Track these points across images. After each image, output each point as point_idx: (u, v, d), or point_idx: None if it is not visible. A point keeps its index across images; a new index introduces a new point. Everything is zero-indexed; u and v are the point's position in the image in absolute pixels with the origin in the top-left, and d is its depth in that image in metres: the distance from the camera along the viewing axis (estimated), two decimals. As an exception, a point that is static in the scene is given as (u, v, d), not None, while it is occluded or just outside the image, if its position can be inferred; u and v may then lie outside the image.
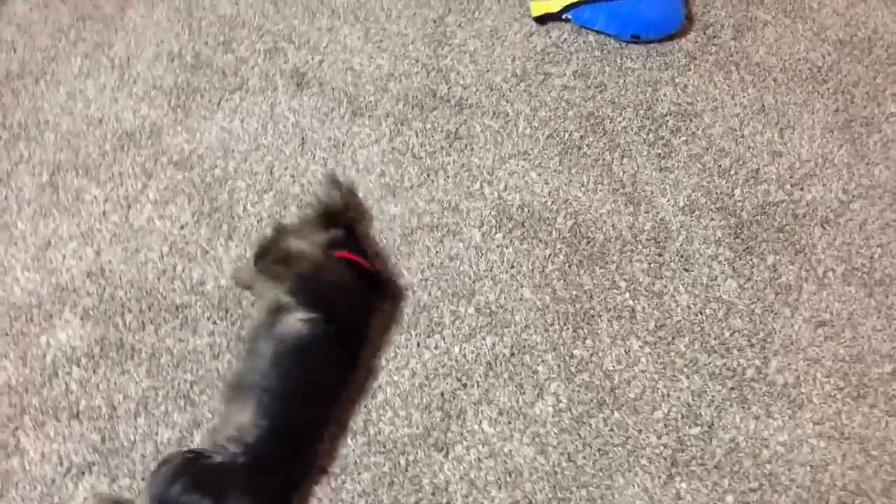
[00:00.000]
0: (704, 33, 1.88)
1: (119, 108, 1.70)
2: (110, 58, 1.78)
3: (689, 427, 1.38)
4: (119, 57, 1.78)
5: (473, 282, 1.52)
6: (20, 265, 1.50)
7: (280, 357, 1.24)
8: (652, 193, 1.64)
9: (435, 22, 1.87)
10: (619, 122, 1.73)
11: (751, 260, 1.56)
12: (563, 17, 1.86)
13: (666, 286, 1.53)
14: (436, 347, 1.44)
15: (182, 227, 1.56)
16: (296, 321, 1.26)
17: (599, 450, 1.36)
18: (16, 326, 1.43)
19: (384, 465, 1.34)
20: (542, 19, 1.87)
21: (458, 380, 1.41)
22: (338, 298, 1.32)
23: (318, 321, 1.26)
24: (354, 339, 1.35)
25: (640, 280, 1.53)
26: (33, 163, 1.62)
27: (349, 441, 1.36)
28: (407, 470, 1.33)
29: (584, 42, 1.86)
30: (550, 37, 1.86)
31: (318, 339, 1.26)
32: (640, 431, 1.38)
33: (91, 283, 1.49)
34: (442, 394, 1.40)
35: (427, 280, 1.51)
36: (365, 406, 1.39)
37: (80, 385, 1.38)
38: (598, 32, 1.86)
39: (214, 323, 1.45)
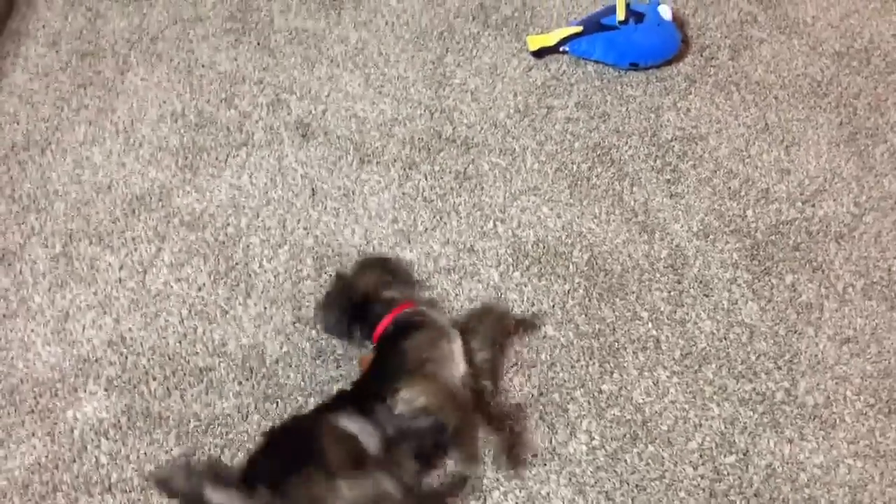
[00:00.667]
0: (702, 55, 1.90)
1: (127, 172, 1.71)
2: (114, 122, 1.78)
3: (725, 456, 1.38)
4: (123, 121, 1.78)
5: (495, 323, 1.51)
6: (40, 340, 1.49)
7: None
8: (665, 220, 1.64)
9: (434, 63, 1.88)
10: (626, 151, 1.74)
11: (770, 281, 1.56)
12: (561, 49, 1.87)
13: (688, 313, 1.52)
14: (464, 393, 1.43)
15: (200, 289, 1.55)
16: None
17: (637, 486, 1.35)
18: (41, 402, 1.42)
19: (422, 517, 1.32)
20: (540, 53, 1.89)
21: (488, 424, 1.40)
22: None
23: None
24: None
25: (662, 309, 1.53)
26: (45, 234, 1.61)
27: None
28: (446, 521, 1.32)
29: (583, 73, 1.87)
30: (549, 70, 1.88)
31: None
32: (675, 464, 1.37)
33: (112, 352, 1.48)
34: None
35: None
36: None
37: (111, 457, 1.37)
38: (597, 62, 1.87)
39: (240, 384, 1.45)
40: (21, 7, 1.98)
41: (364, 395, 1.28)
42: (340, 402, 1.29)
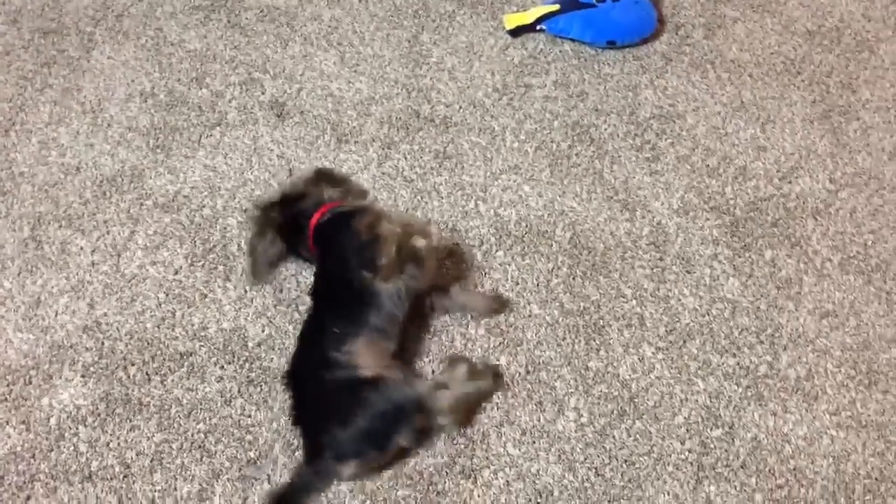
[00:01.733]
0: (677, 34, 1.90)
1: (96, 153, 1.65)
2: (80, 102, 1.73)
3: (711, 429, 1.39)
4: (90, 101, 1.73)
5: (480, 302, 1.50)
6: (11, 326, 1.44)
7: None
8: (645, 198, 1.64)
9: (409, 42, 1.86)
10: (605, 129, 1.74)
11: (750, 257, 1.57)
12: (538, 28, 1.86)
13: (671, 290, 1.53)
14: (451, 372, 1.42)
15: (176, 272, 1.51)
16: None
17: (626, 461, 1.35)
18: (14, 390, 1.38)
19: (413, 497, 1.31)
20: (516, 32, 1.87)
21: (477, 403, 1.40)
22: None
23: None
24: None
25: (645, 286, 1.53)
26: (12, 217, 1.56)
27: (375, 476, 1.33)
28: (437, 501, 1.31)
29: (560, 51, 1.86)
30: (527, 48, 1.86)
31: None
32: (663, 438, 1.38)
33: (88, 337, 1.44)
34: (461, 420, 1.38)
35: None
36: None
37: (90, 445, 1.33)
38: (574, 40, 1.86)
39: (222, 368, 1.42)
40: (-23, -17, 1.90)
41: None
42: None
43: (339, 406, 1.26)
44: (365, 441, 1.25)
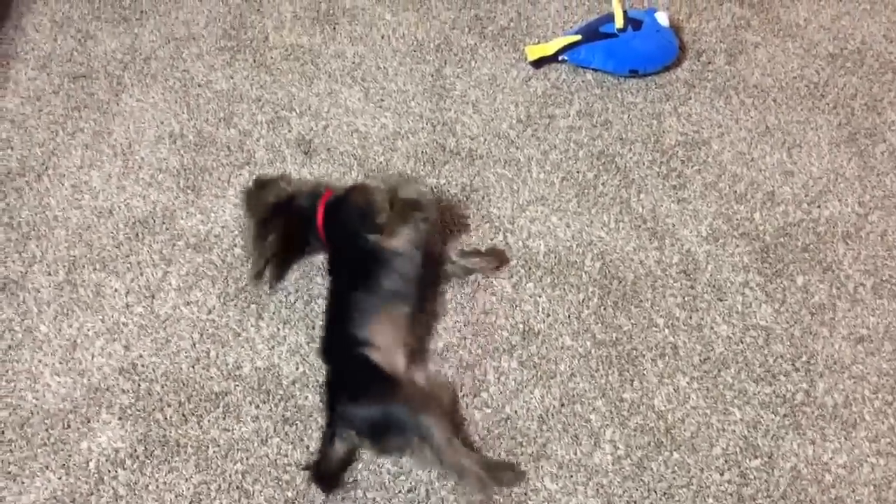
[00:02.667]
0: (699, 61, 1.91)
1: (127, 195, 1.68)
2: (111, 145, 1.75)
3: (750, 460, 1.38)
4: (120, 143, 1.75)
5: (511, 335, 1.50)
6: (49, 370, 1.46)
7: None
8: (674, 226, 1.64)
9: (433, 76, 1.88)
10: (630, 158, 1.74)
11: (781, 283, 1.57)
12: (560, 58, 1.87)
13: (703, 318, 1.53)
14: (485, 406, 1.43)
15: (210, 312, 1.53)
16: None
17: (665, 494, 1.35)
18: (53, 435, 1.39)
19: (452, 535, 1.31)
20: (539, 63, 1.89)
21: (513, 438, 1.39)
22: None
23: None
24: None
25: (677, 315, 1.53)
26: (47, 261, 1.58)
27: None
28: (476, 538, 1.30)
29: (582, 81, 1.87)
30: (549, 79, 1.88)
31: None
32: (701, 470, 1.37)
33: (125, 379, 1.45)
34: (499, 454, 1.38)
35: (465, 338, 1.50)
36: (427, 476, 1.36)
37: (129, 488, 1.34)
38: (596, 70, 1.87)
39: (257, 407, 1.42)
40: (8, 30, 1.94)
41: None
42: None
43: (355, 383, 1.33)
44: (367, 425, 1.31)
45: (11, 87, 1.83)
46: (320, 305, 1.54)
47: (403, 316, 1.41)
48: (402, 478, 1.36)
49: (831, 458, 1.38)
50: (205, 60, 1.89)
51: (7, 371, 1.45)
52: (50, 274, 1.56)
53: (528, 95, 1.85)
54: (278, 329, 1.51)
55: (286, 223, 1.50)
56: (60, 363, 1.46)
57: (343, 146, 1.75)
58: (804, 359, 1.48)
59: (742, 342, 1.50)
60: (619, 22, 1.80)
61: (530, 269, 1.58)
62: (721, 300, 1.55)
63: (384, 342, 1.36)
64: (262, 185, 1.54)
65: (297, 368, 1.46)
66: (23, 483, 1.34)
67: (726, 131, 1.79)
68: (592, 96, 1.85)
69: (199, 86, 1.85)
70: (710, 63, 1.91)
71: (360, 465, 1.37)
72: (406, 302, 1.41)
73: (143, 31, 1.94)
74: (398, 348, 1.37)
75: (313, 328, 1.51)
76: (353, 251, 1.44)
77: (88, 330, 1.50)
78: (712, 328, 1.52)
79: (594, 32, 1.83)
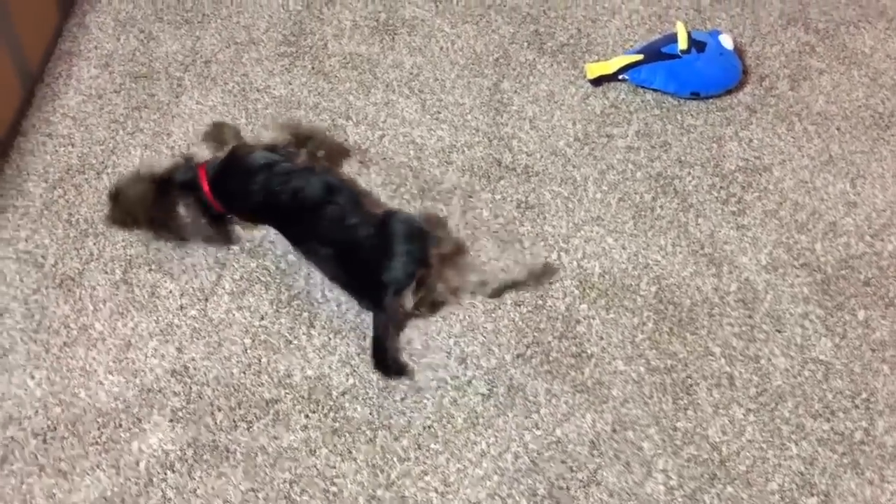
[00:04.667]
0: (761, 85, 1.88)
1: (184, 197, 1.68)
2: (170, 146, 1.76)
3: (806, 498, 1.35)
4: (178, 145, 1.77)
5: (563, 356, 1.49)
6: (102, 368, 1.46)
7: None
8: (732, 253, 1.62)
9: (490, 90, 1.87)
10: (689, 182, 1.72)
11: (842, 317, 1.53)
12: (620, 77, 1.85)
13: (761, 349, 1.50)
14: (536, 428, 1.41)
15: (262, 318, 1.53)
16: None
17: (718, 528, 1.32)
18: (105, 433, 1.39)
19: (499, 558, 1.29)
20: (598, 81, 1.87)
21: (563, 462, 1.38)
22: None
23: None
24: None
25: (734, 345, 1.50)
26: (104, 259, 1.59)
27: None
28: (524, 562, 1.29)
29: (642, 101, 1.85)
30: (608, 98, 1.86)
31: None
32: (756, 505, 1.34)
33: (176, 382, 1.45)
34: (549, 478, 1.36)
35: (518, 357, 1.48)
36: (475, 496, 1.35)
37: (178, 492, 1.34)
38: (656, 91, 1.85)
39: (307, 416, 1.42)
40: (72, 27, 1.96)
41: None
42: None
43: (377, 248, 1.42)
44: (411, 262, 1.41)
45: (74, 84, 1.85)
46: (370, 316, 1.53)
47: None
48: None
49: (889, 500, 1.35)
50: (264, 65, 1.90)
51: (61, 367, 1.46)
52: (107, 272, 1.57)
53: (587, 113, 1.83)
54: (329, 338, 1.50)
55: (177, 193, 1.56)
56: (114, 362, 1.47)
57: (399, 157, 1.75)
58: (864, 396, 1.45)
59: (800, 376, 1.47)
60: (682, 43, 1.78)
61: (584, 290, 1.57)
62: (779, 331, 1.52)
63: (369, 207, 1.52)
64: (123, 188, 1.56)
65: (348, 380, 1.46)
66: (73, 481, 1.35)
67: (788, 158, 1.76)
68: (652, 117, 1.83)
69: (258, 91, 1.86)
70: (773, 88, 1.88)
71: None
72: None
73: (205, 33, 1.96)
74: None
75: (364, 339, 1.50)
76: (274, 202, 1.51)
77: (142, 330, 1.51)
78: (770, 360, 1.49)
79: (656, 53, 1.81)
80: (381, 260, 1.42)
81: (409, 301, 1.44)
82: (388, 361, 1.45)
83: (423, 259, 1.43)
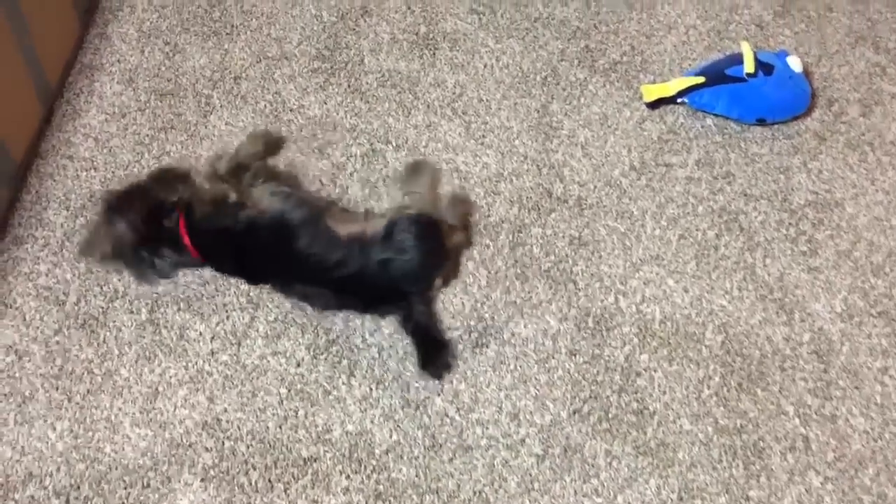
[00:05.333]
0: (830, 110, 1.75)
1: (214, 228, 1.57)
2: (198, 171, 1.65)
3: (892, 579, 1.24)
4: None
5: (624, 413, 1.38)
6: (129, 420, 1.36)
7: None
8: (804, 298, 1.50)
9: (538, 112, 1.75)
10: (755, 217, 1.60)
11: (926, 373, 1.42)
12: (679, 100, 1.73)
13: (837, 408, 1.38)
14: (596, 495, 1.30)
15: (298, 365, 1.42)
16: None
17: None
18: (132, 494, 1.30)
19: None
20: (655, 104, 1.74)
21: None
22: None
23: None
24: None
25: (809, 402, 1.39)
26: (129, 298, 1.49)
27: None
28: None
29: (702, 126, 1.73)
30: (665, 122, 1.73)
31: None
32: (837, 587, 1.23)
33: (208, 436, 1.35)
34: (611, 552, 1.26)
35: (574, 413, 1.37)
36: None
37: (210, 562, 1.24)
38: (717, 115, 1.72)
39: (348, 478, 1.32)
40: (93, 38, 1.85)
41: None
42: None
43: (388, 265, 1.34)
44: (430, 265, 1.38)
45: (96, 101, 1.74)
46: (414, 364, 1.42)
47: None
48: None
49: (984, 583, 1.24)
50: (297, 83, 1.78)
51: (85, 418, 1.36)
52: (132, 312, 1.47)
53: (643, 139, 1.71)
54: (371, 389, 1.40)
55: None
56: (141, 413, 1.37)
57: (442, 186, 1.63)
58: (953, 464, 1.33)
59: (881, 438, 1.36)
60: (748, 66, 1.65)
61: (645, 338, 1.45)
62: (857, 388, 1.41)
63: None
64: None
65: (391, 436, 1.35)
66: (99, 547, 1.25)
67: (861, 192, 1.63)
68: (713, 144, 1.70)
69: (291, 110, 1.74)
70: (842, 113, 1.75)
71: None
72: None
73: (234, 46, 1.84)
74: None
75: (407, 390, 1.40)
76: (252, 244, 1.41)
77: (171, 377, 1.41)
78: (847, 420, 1.38)
79: (720, 75, 1.68)
80: (399, 274, 1.35)
81: (438, 289, 1.44)
82: (441, 356, 1.41)
83: (441, 254, 1.40)
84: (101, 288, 1.49)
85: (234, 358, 1.43)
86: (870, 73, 1.81)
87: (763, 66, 1.66)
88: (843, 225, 1.59)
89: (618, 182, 1.65)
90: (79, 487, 1.30)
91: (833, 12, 1.91)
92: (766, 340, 1.45)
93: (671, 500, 1.30)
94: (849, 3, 1.92)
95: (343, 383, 1.40)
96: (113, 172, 1.64)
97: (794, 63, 1.69)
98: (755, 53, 1.67)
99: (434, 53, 1.84)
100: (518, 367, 1.43)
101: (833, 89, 1.78)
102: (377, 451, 1.34)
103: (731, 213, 1.60)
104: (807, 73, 1.74)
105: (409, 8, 1.90)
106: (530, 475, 1.32)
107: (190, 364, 1.42)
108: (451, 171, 1.65)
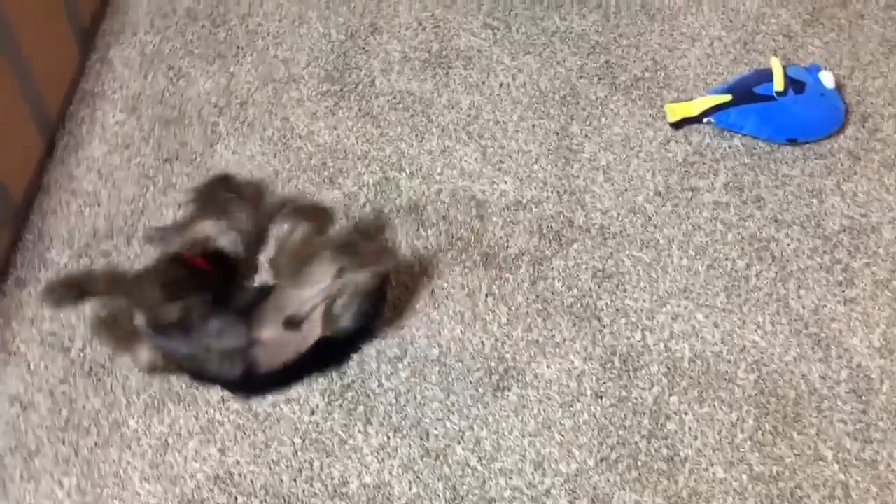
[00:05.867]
0: (864, 127, 1.67)
1: (223, 266, 1.51)
2: (205, 204, 1.58)
3: None
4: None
5: (654, 461, 1.31)
6: (138, 475, 1.31)
7: None
8: (840, 332, 1.43)
9: (558, 134, 1.67)
10: (788, 245, 1.52)
11: (972, 413, 1.34)
12: (705, 120, 1.65)
13: (878, 452, 1.32)
14: (626, 551, 1.24)
15: (313, 413, 1.37)
16: None
17: None
18: (146, 557, 1.25)
19: None
20: (679, 123, 1.66)
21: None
22: None
23: None
24: None
25: (847, 446, 1.32)
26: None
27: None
28: None
29: (729, 147, 1.65)
30: (690, 143, 1.66)
31: None
32: None
33: (220, 491, 1.30)
34: None
35: (602, 461, 1.31)
36: None
37: None
38: (745, 135, 1.65)
39: (367, 535, 1.26)
40: (95, 63, 1.79)
41: None
42: None
43: None
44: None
45: (98, 131, 1.68)
46: (433, 410, 1.36)
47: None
48: None
49: None
50: (306, 107, 1.72)
51: (93, 473, 1.32)
52: (140, 358, 1.41)
53: (667, 162, 1.63)
54: (388, 438, 1.34)
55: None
56: (151, 467, 1.32)
57: (459, 215, 1.57)
58: None
59: (926, 485, 1.29)
60: (778, 84, 1.57)
61: (674, 378, 1.39)
62: (899, 430, 1.34)
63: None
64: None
65: (411, 488, 1.30)
66: None
67: (899, 216, 1.56)
68: (741, 166, 1.62)
69: (300, 137, 1.68)
70: (877, 130, 1.66)
71: None
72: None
73: (240, 69, 1.77)
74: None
75: (427, 438, 1.34)
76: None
77: (181, 428, 1.35)
78: (889, 465, 1.31)
79: (748, 93, 1.61)
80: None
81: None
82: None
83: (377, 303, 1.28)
84: (108, 332, 1.43)
85: (246, 406, 1.37)
86: (905, 84, 1.72)
87: (793, 84, 1.58)
88: (881, 252, 1.51)
89: (642, 208, 1.57)
90: (88, 549, 1.25)
91: (865, 19, 1.82)
92: (802, 379, 1.38)
93: (705, 555, 1.24)
94: (881, 9, 1.83)
95: (359, 431, 1.35)
96: (117, 207, 1.58)
97: (827, 79, 1.61)
98: (785, 69, 1.59)
99: (447, 73, 1.76)
100: (542, 412, 1.37)
101: (867, 104, 1.70)
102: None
103: (762, 240, 1.53)
104: (839, 87, 1.65)
105: (420, 24, 1.83)
106: (557, 529, 1.26)
107: (200, 413, 1.37)
108: (467, 200, 1.58)
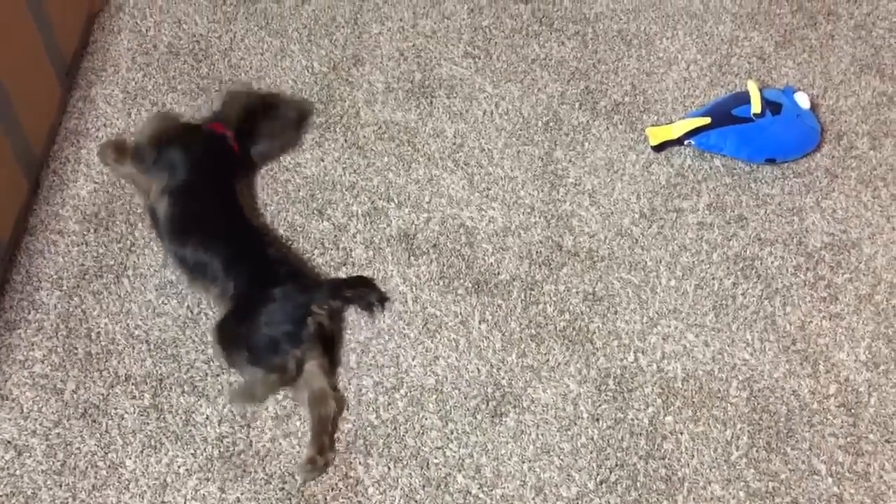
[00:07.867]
0: (839, 144, 1.72)
1: (215, 301, 1.51)
2: (195, 240, 1.58)
3: None
4: (204, 238, 1.58)
5: (652, 481, 1.33)
6: (138, 517, 1.30)
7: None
8: (827, 347, 1.46)
9: (542, 160, 1.70)
10: (772, 263, 1.56)
11: (958, 422, 1.38)
12: (685, 142, 1.68)
13: (870, 464, 1.35)
14: (630, 573, 1.25)
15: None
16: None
17: None
18: None
19: None
20: (661, 147, 1.70)
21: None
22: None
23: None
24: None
25: (840, 459, 1.35)
26: (132, 381, 1.44)
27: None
28: None
29: (710, 168, 1.69)
30: (672, 165, 1.69)
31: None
32: None
33: (222, 530, 1.29)
34: None
35: (601, 484, 1.33)
36: None
37: None
38: (725, 156, 1.68)
39: (371, 567, 1.26)
40: (77, 102, 1.78)
41: None
42: None
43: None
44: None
45: (83, 169, 1.68)
46: (432, 439, 1.37)
47: None
48: None
49: None
50: (292, 139, 1.73)
51: (91, 518, 1.30)
52: (135, 397, 1.41)
53: (651, 184, 1.67)
54: (388, 469, 1.35)
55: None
56: (150, 508, 1.31)
57: (449, 243, 1.58)
58: None
59: (918, 495, 1.32)
60: (755, 106, 1.61)
61: (668, 398, 1.41)
62: (888, 441, 1.37)
63: None
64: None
65: (413, 519, 1.30)
66: None
67: (878, 231, 1.60)
68: (723, 186, 1.66)
69: (287, 170, 1.68)
70: (852, 147, 1.71)
71: None
72: None
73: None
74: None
75: (427, 467, 1.34)
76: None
77: (179, 467, 1.35)
78: (881, 476, 1.34)
79: (726, 115, 1.65)
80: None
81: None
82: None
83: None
84: (101, 373, 1.43)
85: (245, 441, 1.37)
86: (877, 102, 1.77)
87: (770, 105, 1.63)
88: (862, 267, 1.55)
89: (629, 231, 1.60)
90: None
91: (835, 40, 1.87)
92: (792, 394, 1.41)
93: (708, 573, 1.25)
94: (851, 29, 1.89)
95: (360, 464, 1.35)
96: (106, 247, 1.58)
97: (802, 100, 1.65)
98: (762, 92, 1.63)
99: (431, 102, 1.79)
100: (540, 436, 1.38)
101: (841, 122, 1.75)
102: (400, 537, 1.29)
103: (747, 259, 1.56)
104: (814, 107, 1.70)
105: (401, 54, 1.85)
106: (560, 554, 1.27)
107: (198, 451, 1.36)
108: (456, 228, 1.60)
